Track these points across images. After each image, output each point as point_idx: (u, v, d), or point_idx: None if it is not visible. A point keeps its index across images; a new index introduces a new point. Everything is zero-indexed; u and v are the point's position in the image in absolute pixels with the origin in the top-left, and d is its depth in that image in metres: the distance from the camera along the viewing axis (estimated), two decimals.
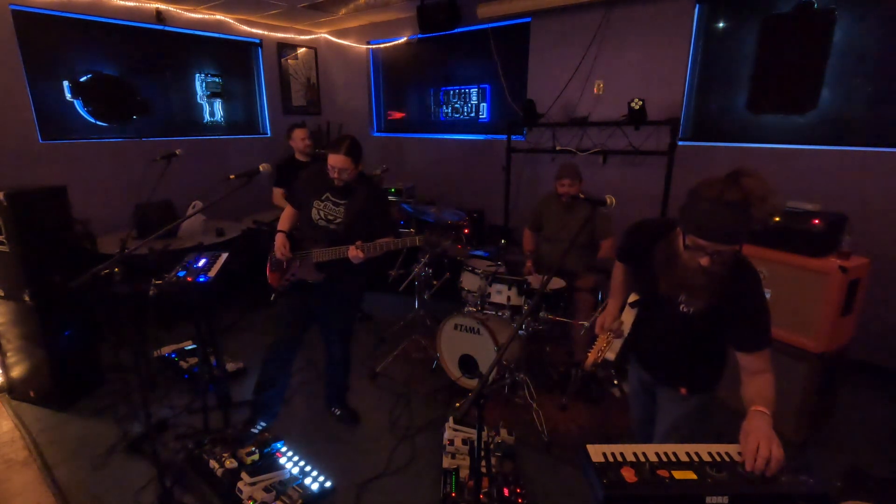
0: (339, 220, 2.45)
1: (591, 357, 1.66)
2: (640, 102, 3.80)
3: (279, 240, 2.52)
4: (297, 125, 3.92)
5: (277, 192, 3.78)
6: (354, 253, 2.27)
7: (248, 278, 4.37)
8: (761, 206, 1.26)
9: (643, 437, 1.86)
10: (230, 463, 2.29)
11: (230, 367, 3.31)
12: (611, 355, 1.72)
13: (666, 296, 1.51)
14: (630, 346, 1.74)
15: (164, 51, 4.85)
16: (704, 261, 1.32)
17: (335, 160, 2.33)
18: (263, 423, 2.63)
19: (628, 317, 1.70)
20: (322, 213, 2.46)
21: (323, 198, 2.46)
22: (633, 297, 1.72)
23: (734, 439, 1.27)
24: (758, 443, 1.18)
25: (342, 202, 2.45)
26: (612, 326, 1.70)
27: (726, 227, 1.27)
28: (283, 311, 2.66)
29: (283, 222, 2.60)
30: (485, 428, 2.49)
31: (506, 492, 2.18)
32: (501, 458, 2.40)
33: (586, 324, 2.87)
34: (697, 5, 3.74)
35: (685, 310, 1.49)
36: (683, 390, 1.61)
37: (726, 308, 1.40)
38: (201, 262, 2.53)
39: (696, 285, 1.39)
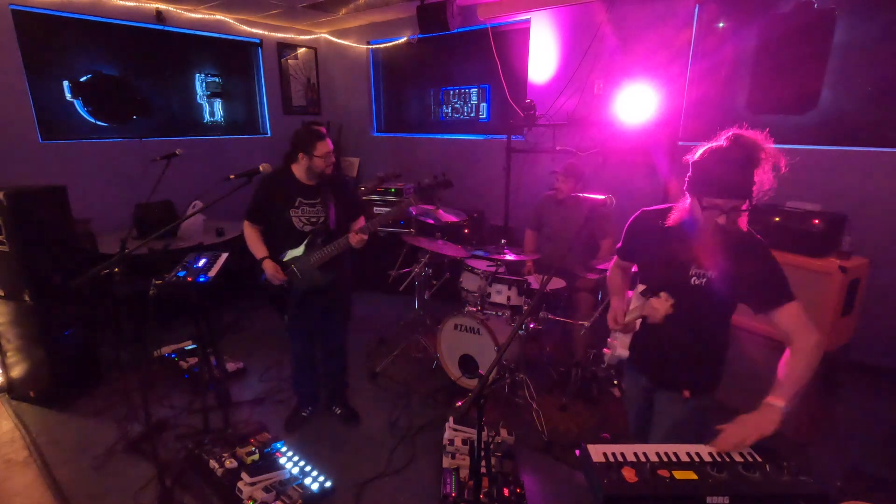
0: (322, 219, 2.47)
1: (625, 319, 1.63)
2: (639, 103, 3.80)
3: (270, 267, 2.45)
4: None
5: None
6: (357, 238, 2.35)
7: (249, 278, 4.37)
8: (763, 157, 1.37)
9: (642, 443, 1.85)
10: (230, 463, 2.29)
11: (230, 367, 3.31)
12: (624, 352, 1.69)
13: (676, 273, 1.52)
14: (632, 347, 1.73)
15: (164, 51, 4.85)
16: (721, 219, 1.38)
17: (328, 146, 2.39)
18: (311, 408, 2.86)
19: (637, 304, 1.67)
20: (304, 218, 2.46)
21: (296, 204, 2.45)
22: (641, 287, 1.69)
23: None
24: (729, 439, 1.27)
25: (316, 201, 2.46)
26: (626, 320, 1.66)
27: (737, 183, 1.36)
28: (294, 327, 2.68)
29: (260, 248, 2.51)
30: (485, 428, 2.48)
31: (506, 492, 2.18)
32: (501, 458, 2.40)
33: (586, 324, 2.87)
34: (697, 5, 3.73)
35: (697, 282, 1.49)
36: (687, 393, 1.59)
37: (739, 272, 1.43)
38: (201, 262, 2.53)
39: (715, 245, 1.45)
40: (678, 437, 1.59)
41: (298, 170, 2.44)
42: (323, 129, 2.42)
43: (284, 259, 2.49)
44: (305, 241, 2.47)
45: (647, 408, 1.76)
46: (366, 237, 2.36)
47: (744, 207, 1.37)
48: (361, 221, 2.58)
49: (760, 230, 2.72)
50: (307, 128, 2.43)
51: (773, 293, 1.43)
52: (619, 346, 1.70)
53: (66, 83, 4.26)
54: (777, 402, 1.32)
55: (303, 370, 2.80)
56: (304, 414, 2.85)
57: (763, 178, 1.37)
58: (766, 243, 1.47)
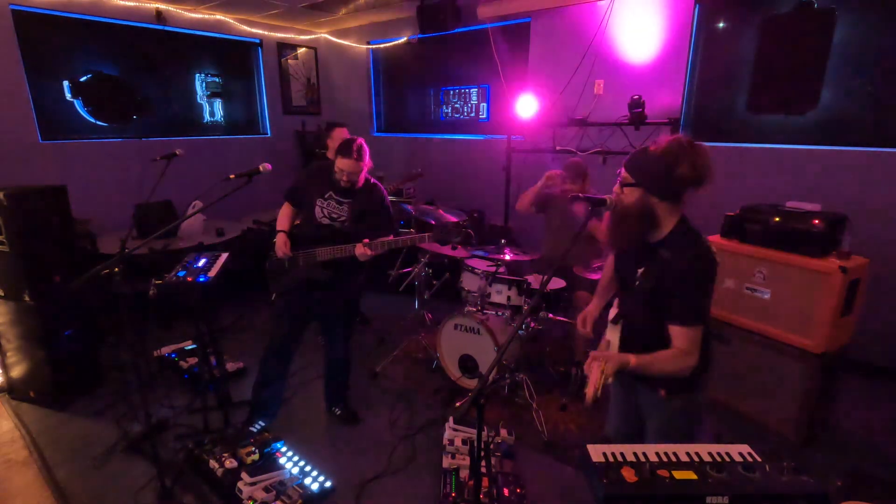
0: (343, 219, 2.47)
1: (591, 392, 1.46)
2: (641, 99, 3.80)
3: (280, 239, 2.53)
4: (336, 124, 3.84)
5: None
6: (362, 251, 2.31)
7: (248, 278, 4.37)
8: (662, 159, 1.40)
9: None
10: (230, 463, 2.28)
11: (230, 367, 3.31)
12: (611, 379, 1.65)
13: (629, 273, 1.54)
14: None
15: (164, 51, 4.86)
16: (616, 187, 1.52)
17: (346, 164, 2.35)
18: (262, 423, 2.61)
19: (614, 336, 1.63)
20: (325, 212, 2.48)
21: (326, 196, 2.48)
22: (613, 312, 1.66)
23: (734, 439, 1.27)
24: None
25: (346, 200, 2.47)
26: (589, 331, 1.71)
27: (634, 156, 1.49)
28: (281, 310, 2.65)
29: (283, 222, 2.61)
30: (485, 428, 2.48)
31: (506, 492, 2.18)
32: (501, 458, 2.41)
33: None
34: (697, 5, 3.74)
35: (638, 283, 1.50)
36: (662, 392, 1.57)
37: (666, 281, 1.44)
38: (201, 262, 2.53)
39: (609, 218, 1.57)
40: (667, 436, 1.59)
41: None
42: (354, 147, 2.36)
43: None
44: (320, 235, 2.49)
45: (631, 408, 1.74)
46: (370, 252, 2.30)
47: (627, 182, 1.47)
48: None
49: (760, 230, 2.74)
50: (345, 140, 2.44)
51: (679, 313, 1.44)
52: (602, 379, 1.63)
53: (66, 83, 4.26)
54: (633, 360, 1.43)
55: (270, 367, 2.63)
56: (252, 429, 2.53)
57: (673, 171, 1.39)
58: (701, 256, 1.43)
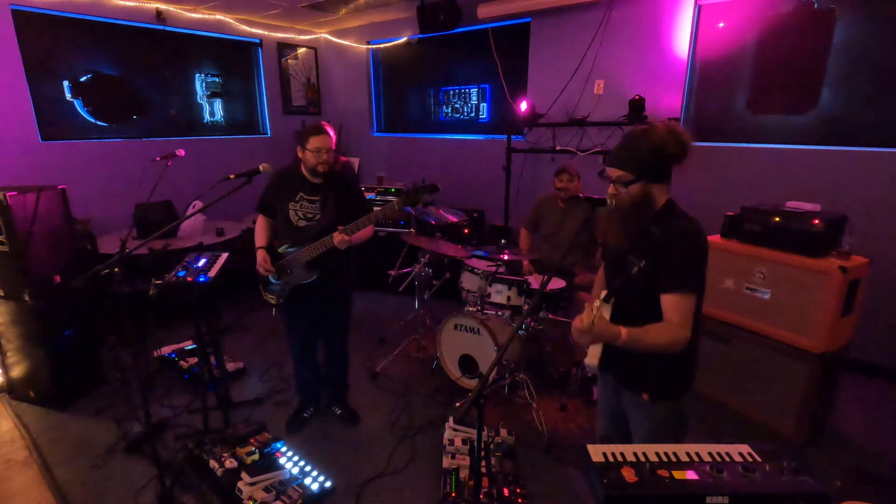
0: (318, 217, 2.45)
1: (594, 357, 1.54)
2: (641, 99, 3.80)
3: (259, 256, 2.48)
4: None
5: None
6: (339, 238, 2.29)
7: (248, 278, 4.36)
8: (655, 146, 1.42)
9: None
10: (230, 463, 2.28)
11: (230, 367, 3.31)
12: (594, 360, 1.58)
13: (620, 261, 1.53)
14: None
15: (164, 51, 4.85)
16: (610, 188, 1.50)
17: (322, 140, 2.34)
18: (312, 409, 2.88)
19: (606, 314, 1.56)
20: (300, 213, 2.46)
21: (297, 198, 2.46)
22: (603, 293, 1.61)
23: (734, 439, 1.27)
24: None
25: (316, 198, 2.45)
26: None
27: (622, 154, 1.47)
28: (290, 324, 2.67)
29: (260, 238, 2.55)
30: (485, 428, 2.48)
31: (506, 492, 2.18)
32: (501, 458, 2.41)
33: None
34: (697, 5, 3.74)
35: (633, 271, 1.47)
36: (645, 396, 1.55)
37: (657, 254, 1.43)
38: (201, 262, 2.53)
39: (608, 218, 1.55)
40: (654, 442, 1.56)
41: (303, 166, 2.47)
42: (325, 124, 2.40)
43: (279, 250, 2.50)
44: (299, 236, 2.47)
45: (617, 411, 1.71)
46: (348, 238, 2.29)
47: (630, 180, 1.44)
48: None
49: (760, 230, 2.73)
50: (308, 123, 2.47)
51: (668, 280, 1.42)
52: (589, 356, 1.59)
53: (66, 83, 4.26)
54: (624, 332, 1.38)
55: (303, 371, 2.79)
56: (305, 415, 2.85)
57: (657, 155, 1.41)
58: (688, 228, 1.44)
